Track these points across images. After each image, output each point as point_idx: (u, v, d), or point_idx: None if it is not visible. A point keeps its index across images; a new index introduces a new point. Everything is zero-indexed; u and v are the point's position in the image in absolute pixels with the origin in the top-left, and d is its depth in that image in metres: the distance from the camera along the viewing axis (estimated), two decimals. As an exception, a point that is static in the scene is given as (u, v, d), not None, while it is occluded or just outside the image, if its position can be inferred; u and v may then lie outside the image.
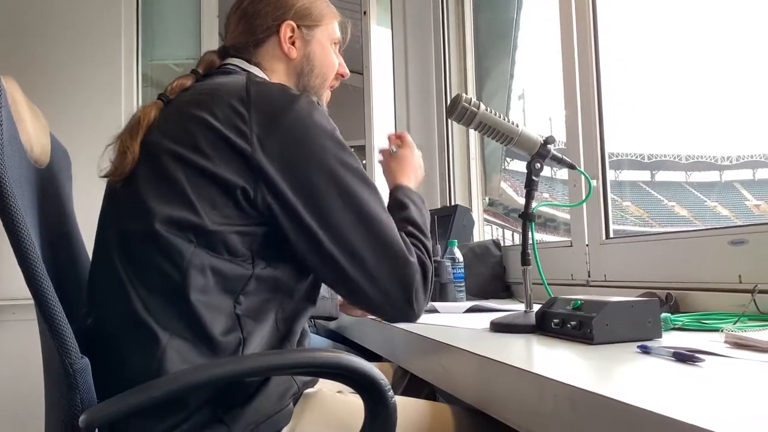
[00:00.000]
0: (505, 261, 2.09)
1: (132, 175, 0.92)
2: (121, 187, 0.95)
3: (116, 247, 0.90)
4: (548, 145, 1.15)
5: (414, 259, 0.98)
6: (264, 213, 0.90)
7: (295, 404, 0.88)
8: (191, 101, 0.95)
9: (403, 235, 1.00)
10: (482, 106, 1.14)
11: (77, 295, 0.96)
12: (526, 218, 1.15)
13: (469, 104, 1.13)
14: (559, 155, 1.18)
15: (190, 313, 0.84)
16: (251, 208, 0.89)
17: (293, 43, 1.11)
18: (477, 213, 2.62)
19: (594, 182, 1.66)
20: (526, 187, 1.16)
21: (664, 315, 1.04)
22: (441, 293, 1.78)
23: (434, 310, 1.52)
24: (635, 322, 0.92)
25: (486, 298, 1.96)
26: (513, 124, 1.15)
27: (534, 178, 1.16)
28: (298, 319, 0.98)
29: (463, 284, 1.86)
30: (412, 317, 1.00)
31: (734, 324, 1.02)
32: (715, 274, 1.25)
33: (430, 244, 1.08)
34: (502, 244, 2.14)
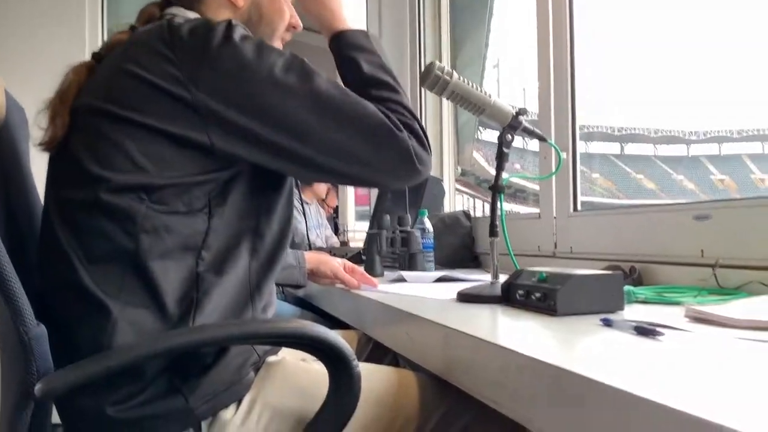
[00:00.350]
0: (474, 232, 2.10)
1: (67, 141, 0.87)
2: (57, 154, 0.90)
3: (58, 218, 0.86)
4: (520, 117, 1.15)
5: (402, 133, 0.92)
6: (225, 157, 0.86)
7: (256, 373, 0.87)
8: (119, 55, 0.90)
9: (377, 104, 0.94)
10: (455, 75, 1.13)
11: (36, 259, 0.93)
12: (496, 190, 1.15)
13: (442, 72, 1.12)
14: (531, 127, 1.17)
15: (144, 279, 0.81)
16: (210, 156, 0.85)
17: None
18: (448, 183, 2.62)
19: (564, 155, 1.67)
20: (497, 158, 1.16)
21: (627, 288, 1.05)
22: (410, 263, 1.78)
23: (402, 280, 1.52)
24: (599, 295, 0.93)
25: (455, 268, 1.97)
26: (485, 94, 1.14)
27: (505, 149, 1.15)
28: (271, 271, 0.94)
29: (432, 254, 1.87)
30: (425, 175, 0.98)
31: (695, 298, 1.04)
32: (679, 248, 1.27)
33: (402, 95, 1.01)
34: (472, 215, 2.15)
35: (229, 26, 0.88)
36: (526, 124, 1.16)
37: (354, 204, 3.26)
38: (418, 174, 0.96)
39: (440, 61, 2.74)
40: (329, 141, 0.89)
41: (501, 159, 1.15)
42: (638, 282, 1.31)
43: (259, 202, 0.93)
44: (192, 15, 1.00)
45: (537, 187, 1.88)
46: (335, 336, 0.76)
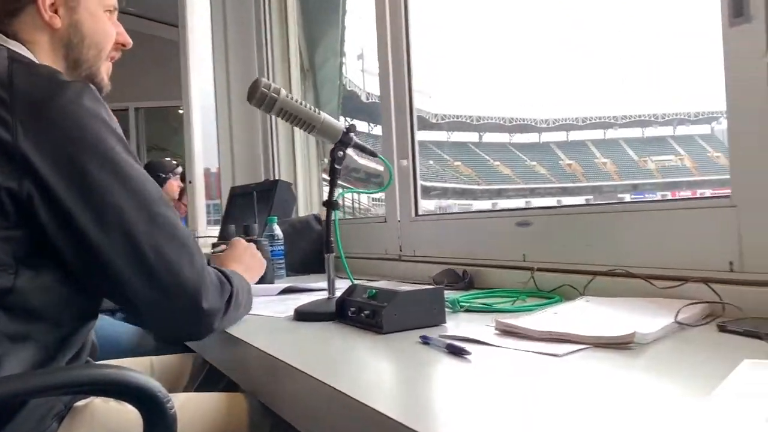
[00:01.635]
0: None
1: None
2: None
3: None
4: (350, 134, 1.16)
5: (208, 302, 0.86)
6: (30, 214, 0.79)
7: (60, 422, 0.81)
8: None
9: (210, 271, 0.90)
10: (283, 92, 1.12)
11: None
12: (330, 206, 1.16)
13: (269, 90, 1.10)
14: (362, 143, 1.19)
15: None
16: (16, 208, 0.78)
17: (56, 11, 0.98)
18: (304, 185, 2.61)
19: (404, 162, 1.72)
20: (329, 175, 1.17)
21: (452, 298, 1.11)
22: (259, 272, 1.75)
23: (247, 293, 1.49)
24: (422, 310, 0.97)
25: (307, 273, 1.97)
26: (315, 111, 1.14)
27: (336, 166, 1.16)
28: (76, 336, 0.88)
29: (283, 261, 1.86)
30: (202, 321, 0.87)
31: (513, 303, 1.11)
32: (504, 252, 1.36)
33: (235, 295, 0.95)
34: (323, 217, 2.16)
35: (84, 89, 0.84)
36: (357, 141, 1.18)
37: (205, 205, 3.15)
38: (185, 337, 0.95)
39: (291, 61, 2.72)
40: (135, 244, 0.81)
41: (333, 175, 1.17)
42: (470, 285, 1.39)
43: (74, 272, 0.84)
44: (13, 44, 0.94)
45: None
46: (144, 379, 0.72)
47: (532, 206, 1.33)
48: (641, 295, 1.02)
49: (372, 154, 1.22)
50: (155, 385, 0.73)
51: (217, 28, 2.70)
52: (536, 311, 1.00)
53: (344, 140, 1.16)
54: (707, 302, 0.90)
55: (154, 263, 0.82)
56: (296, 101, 1.12)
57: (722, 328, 0.82)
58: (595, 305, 1.01)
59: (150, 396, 0.72)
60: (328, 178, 1.12)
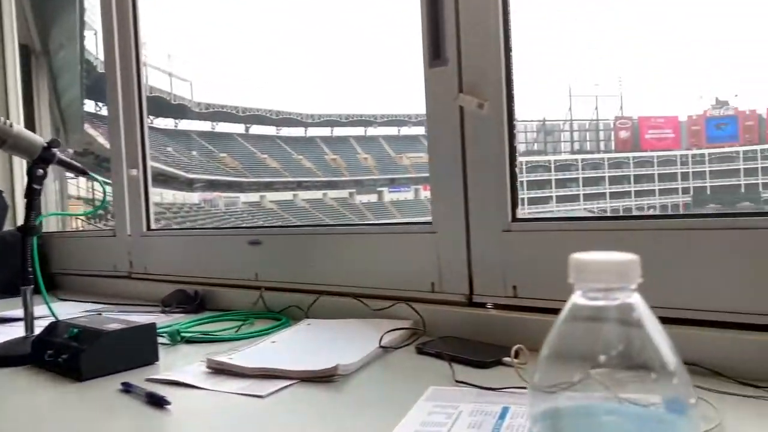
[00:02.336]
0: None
1: None
2: None
3: None
4: (53, 149, 1.03)
5: None
6: None
7: None
8: None
9: None
10: (-39, 100, 0.95)
11: None
12: (26, 232, 1.02)
13: (-59, 97, 0.93)
14: (68, 160, 1.07)
15: None
16: None
17: None
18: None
19: (134, 172, 1.59)
20: (26, 197, 1.02)
21: (173, 328, 1.05)
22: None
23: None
24: (132, 349, 0.89)
25: (19, 294, 1.73)
26: (5, 124, 0.99)
27: (35, 186, 1.02)
28: None
29: (-13, 283, 1.60)
30: None
31: (238, 330, 1.09)
32: (237, 271, 1.33)
33: None
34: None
35: None
36: (62, 157, 1.05)
37: None
38: None
39: (5, 42, 2.35)
40: None
41: (31, 197, 1.03)
42: (201, 306, 1.33)
43: None
44: None
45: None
46: None
47: (262, 225, 1.32)
48: (360, 315, 1.06)
49: (82, 173, 1.10)
50: None
51: None
52: (256, 340, 0.98)
53: (45, 157, 1.03)
54: (408, 328, 0.97)
55: None
56: (-22, 112, 0.96)
57: (420, 350, 0.88)
58: (313, 330, 1.03)
59: None
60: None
